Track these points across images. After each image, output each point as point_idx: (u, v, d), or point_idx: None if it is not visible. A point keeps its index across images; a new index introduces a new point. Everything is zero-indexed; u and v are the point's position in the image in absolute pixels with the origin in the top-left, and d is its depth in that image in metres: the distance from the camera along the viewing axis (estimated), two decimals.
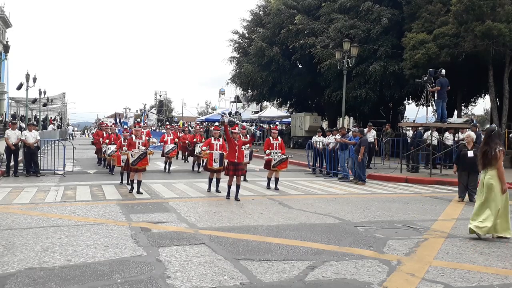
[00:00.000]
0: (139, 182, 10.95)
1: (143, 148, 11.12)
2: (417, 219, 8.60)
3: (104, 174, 15.12)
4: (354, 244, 6.61)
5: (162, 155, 16.89)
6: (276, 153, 12.27)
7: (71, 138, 42.80)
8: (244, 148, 11.84)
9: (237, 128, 10.64)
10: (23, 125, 20.55)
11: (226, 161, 10.67)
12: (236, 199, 10.18)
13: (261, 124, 39.56)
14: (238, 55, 34.99)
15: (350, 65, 21.61)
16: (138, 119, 39.97)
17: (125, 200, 10.17)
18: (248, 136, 14.00)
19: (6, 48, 26.58)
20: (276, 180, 12.25)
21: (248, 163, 13.86)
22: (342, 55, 21.23)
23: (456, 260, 5.94)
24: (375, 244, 6.63)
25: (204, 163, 12.33)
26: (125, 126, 24.91)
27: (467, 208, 9.90)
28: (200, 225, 7.70)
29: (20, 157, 14.94)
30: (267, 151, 12.35)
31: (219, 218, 8.34)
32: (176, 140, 17.97)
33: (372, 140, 18.02)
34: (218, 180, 11.41)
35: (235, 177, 10.26)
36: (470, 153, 10.59)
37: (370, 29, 24.16)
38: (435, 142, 16.37)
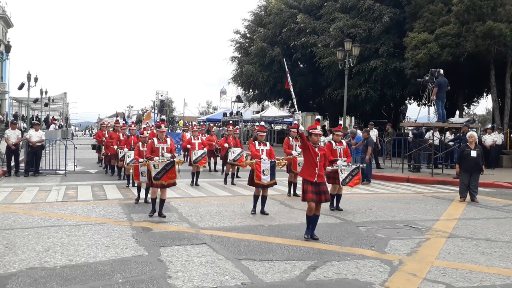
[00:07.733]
0: (162, 201, 8.36)
1: (169, 155, 8.37)
2: (419, 219, 8.59)
3: (105, 174, 15.11)
4: (356, 244, 6.60)
5: (190, 164, 13.22)
6: (344, 161, 9.29)
7: (71, 137, 42.83)
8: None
9: (318, 127, 7.34)
10: (25, 125, 20.57)
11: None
12: (313, 236, 6.91)
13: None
14: (240, 55, 34.94)
15: (351, 65, 21.58)
16: (147, 118, 35.51)
17: (127, 200, 10.16)
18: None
19: (8, 48, 26.51)
20: (339, 197, 9.45)
21: None
22: (344, 55, 21.20)
23: (458, 260, 5.93)
24: (377, 244, 6.62)
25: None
26: (144, 126, 22.07)
27: (469, 208, 9.88)
28: (202, 225, 7.70)
29: (22, 157, 14.95)
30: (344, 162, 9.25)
31: (220, 218, 8.34)
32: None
33: (374, 140, 17.99)
34: (264, 198, 8.78)
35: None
36: (473, 153, 10.57)
37: (371, 28, 24.13)
38: (436, 142, 16.34)
